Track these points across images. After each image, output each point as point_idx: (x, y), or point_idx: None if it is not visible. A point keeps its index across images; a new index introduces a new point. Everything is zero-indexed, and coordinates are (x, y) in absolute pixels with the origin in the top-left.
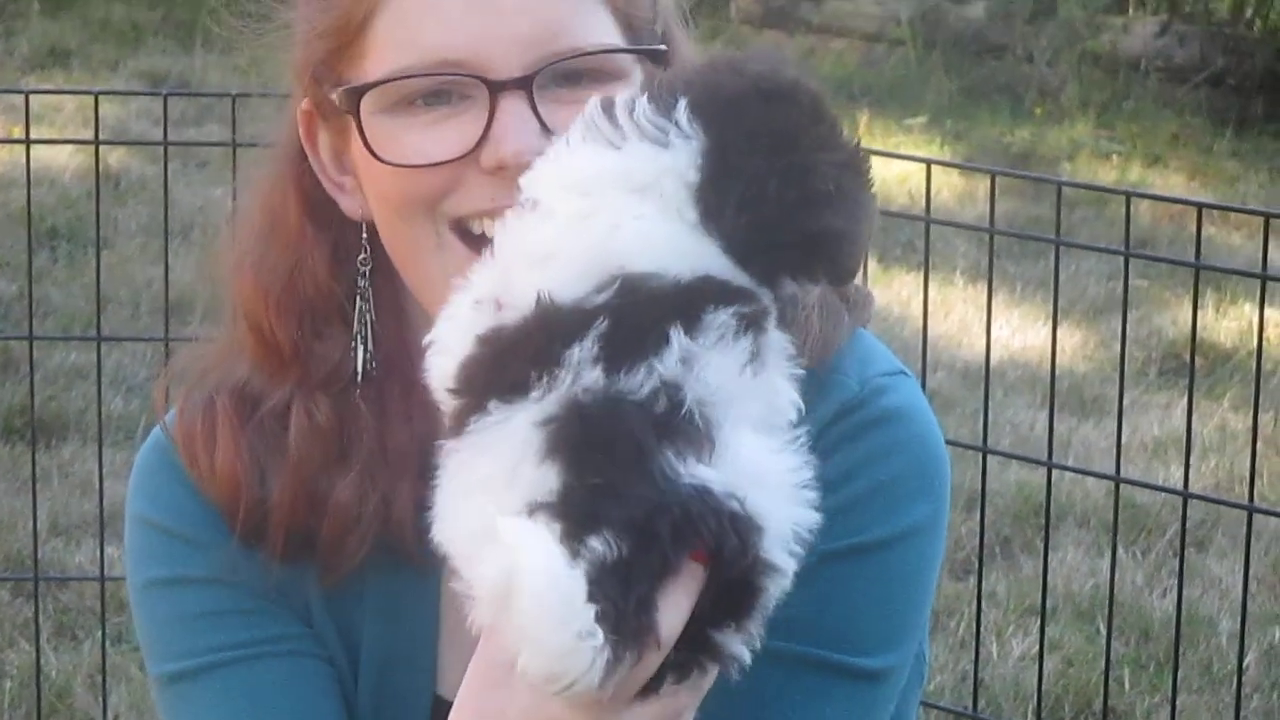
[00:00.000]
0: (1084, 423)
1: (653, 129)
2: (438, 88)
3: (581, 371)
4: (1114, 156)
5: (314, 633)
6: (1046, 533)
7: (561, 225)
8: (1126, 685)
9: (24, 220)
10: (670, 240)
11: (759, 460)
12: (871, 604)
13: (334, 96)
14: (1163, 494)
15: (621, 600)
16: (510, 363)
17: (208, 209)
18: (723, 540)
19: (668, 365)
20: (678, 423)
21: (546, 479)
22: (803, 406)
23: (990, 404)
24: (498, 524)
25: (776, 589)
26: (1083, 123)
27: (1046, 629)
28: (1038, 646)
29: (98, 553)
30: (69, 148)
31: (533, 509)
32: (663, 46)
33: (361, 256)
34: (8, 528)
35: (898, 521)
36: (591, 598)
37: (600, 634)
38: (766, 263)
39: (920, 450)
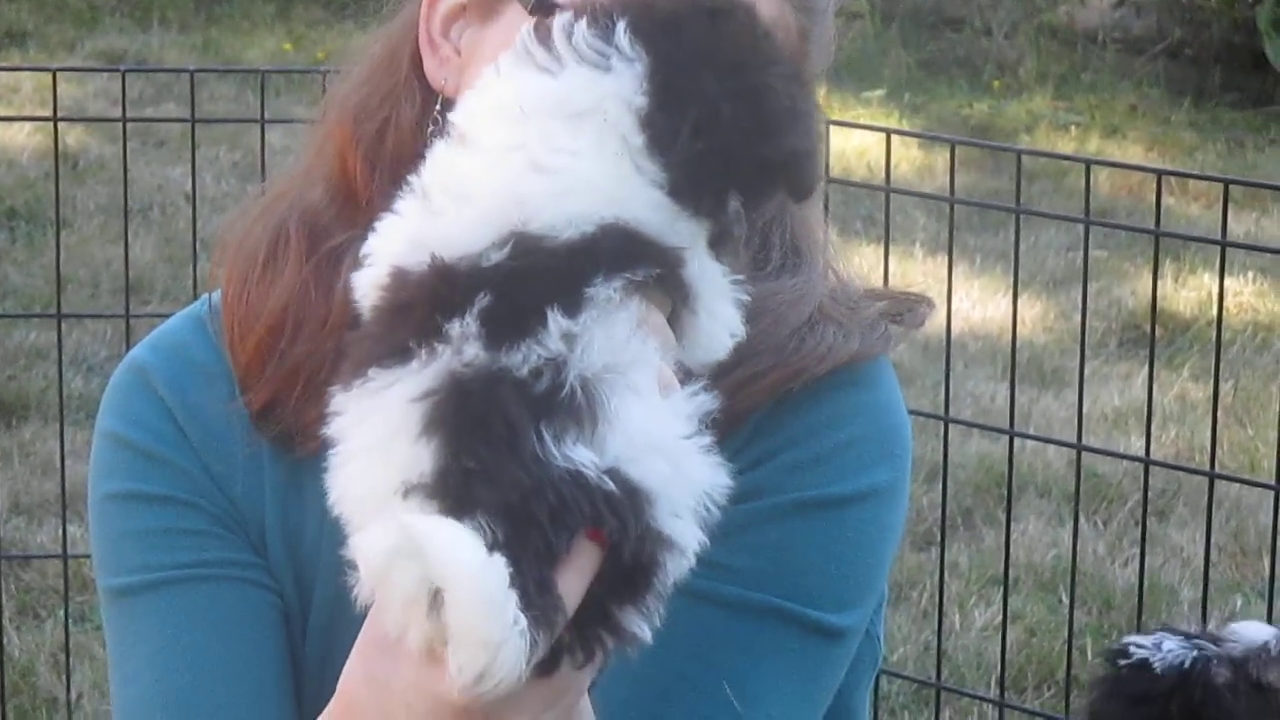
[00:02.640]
0: (1044, 394)
1: (592, 52)
2: None
3: (463, 346)
4: (1072, 128)
5: (266, 564)
6: (1009, 501)
7: (483, 160)
8: (1089, 654)
9: None
10: (588, 181)
11: (650, 429)
12: (827, 559)
13: None
14: (1123, 464)
15: (527, 582)
16: (396, 324)
17: (166, 188)
18: (600, 522)
19: (549, 344)
20: (558, 401)
21: (421, 458)
22: (743, 333)
23: (951, 376)
24: (406, 525)
25: (677, 563)
26: (1041, 95)
27: (1009, 599)
28: (1000, 617)
29: (60, 531)
30: (27, 129)
31: (408, 490)
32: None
33: (432, 129)
34: None
35: (858, 481)
36: (511, 582)
37: (524, 619)
38: (717, 189)
39: (883, 417)
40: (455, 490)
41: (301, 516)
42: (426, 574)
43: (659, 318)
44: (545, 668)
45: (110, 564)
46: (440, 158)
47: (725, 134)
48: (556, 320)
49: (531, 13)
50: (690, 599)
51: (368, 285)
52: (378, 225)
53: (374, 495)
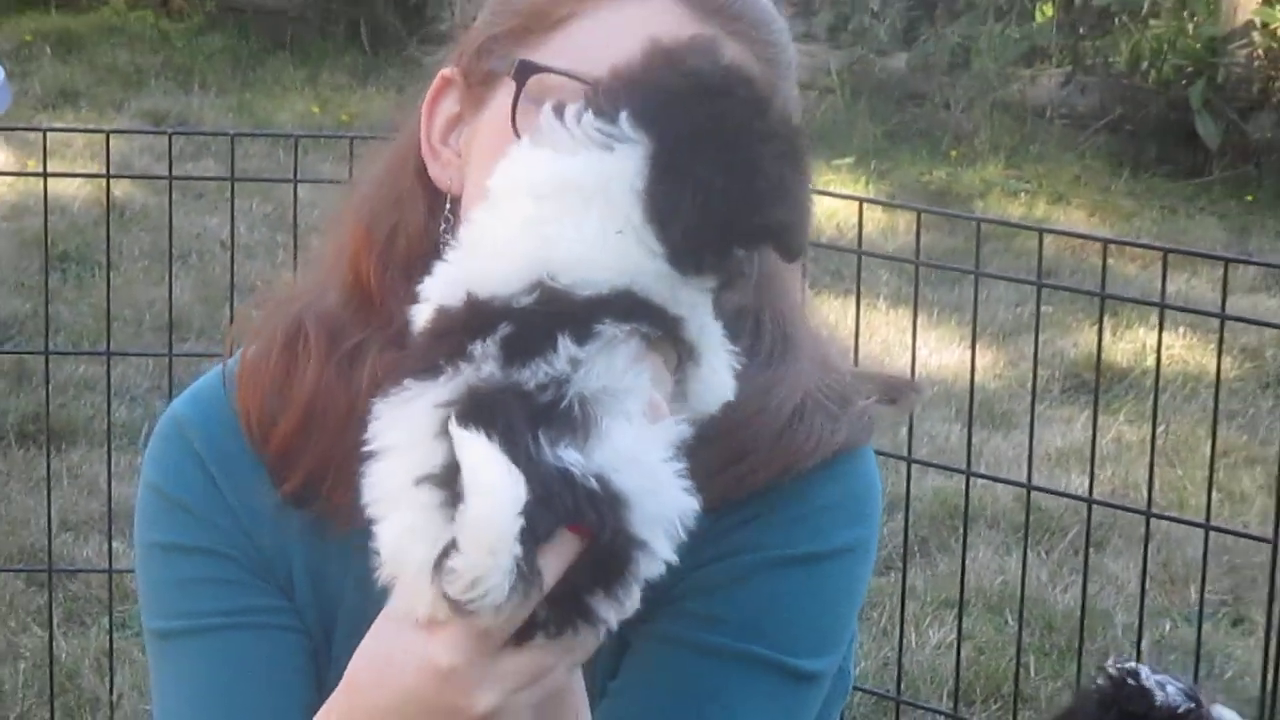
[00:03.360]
0: (995, 434)
1: (598, 135)
2: None
3: (482, 364)
4: (1022, 194)
5: (294, 606)
6: (964, 533)
7: (510, 229)
8: (1033, 671)
9: (39, 245)
10: (600, 254)
11: (635, 447)
12: (806, 611)
13: (499, 65)
14: (1065, 500)
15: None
16: (433, 346)
17: (204, 236)
18: (579, 516)
19: (557, 364)
20: (558, 413)
21: (435, 454)
22: (733, 395)
23: (911, 417)
24: (454, 434)
25: (648, 564)
26: (994, 164)
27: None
28: (954, 636)
29: (105, 546)
30: (78, 180)
31: (419, 480)
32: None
33: (444, 228)
34: (22, 524)
35: (834, 539)
36: (522, 510)
37: (521, 549)
38: (717, 249)
39: (858, 483)
40: (458, 480)
41: (325, 559)
42: (438, 537)
43: (657, 358)
44: (522, 636)
45: (154, 607)
46: (478, 218)
47: (717, 209)
48: (566, 346)
49: (514, 78)
50: (677, 647)
51: (418, 318)
52: (434, 269)
53: (395, 488)
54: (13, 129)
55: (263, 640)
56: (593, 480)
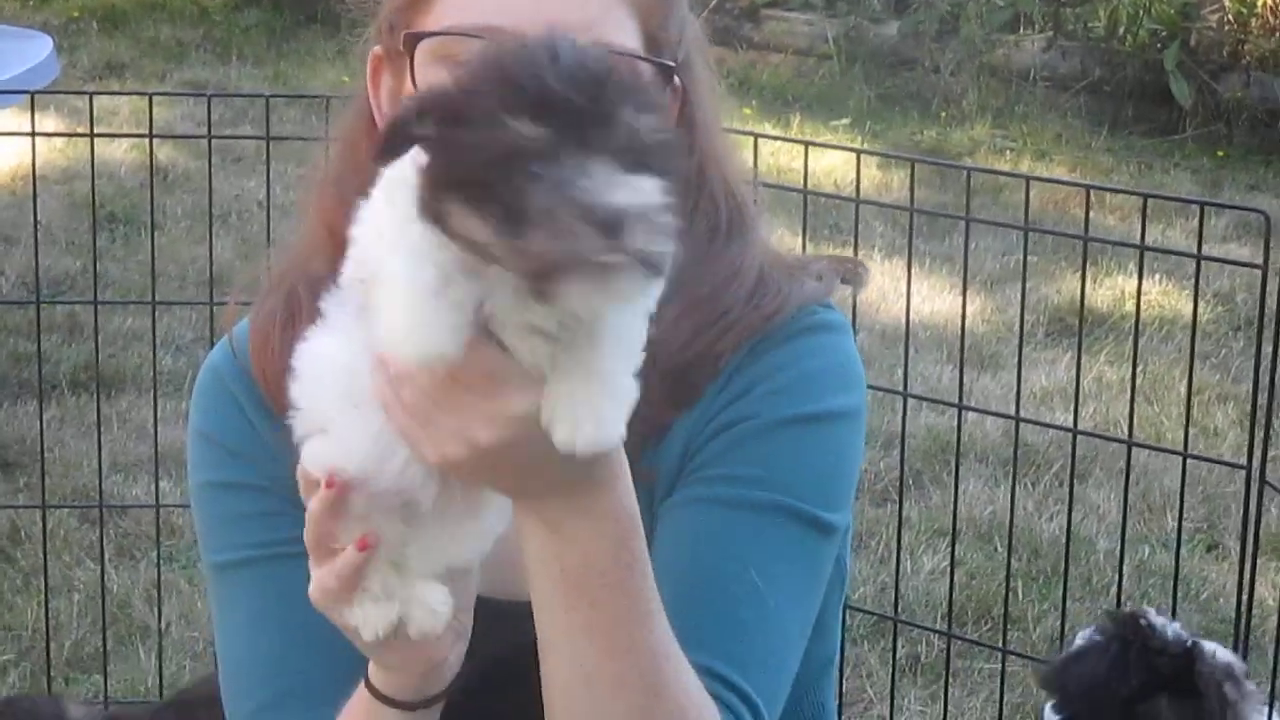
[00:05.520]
0: (983, 375)
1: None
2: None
3: None
4: (1007, 152)
5: None
6: (956, 464)
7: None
8: (1020, 595)
9: (88, 207)
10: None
11: None
12: (815, 465)
13: (399, 41)
14: (1050, 434)
15: None
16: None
17: (243, 197)
18: None
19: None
20: None
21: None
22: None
23: (906, 358)
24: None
25: None
26: (981, 124)
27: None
28: (946, 562)
29: (152, 486)
30: (125, 145)
31: None
32: (672, 62)
33: None
34: (75, 466)
35: (826, 403)
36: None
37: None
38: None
39: (837, 354)
40: None
41: None
42: None
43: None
44: None
45: (208, 542)
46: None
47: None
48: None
49: (405, 50)
50: (701, 506)
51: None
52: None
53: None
54: (62, 93)
55: (303, 567)
56: None
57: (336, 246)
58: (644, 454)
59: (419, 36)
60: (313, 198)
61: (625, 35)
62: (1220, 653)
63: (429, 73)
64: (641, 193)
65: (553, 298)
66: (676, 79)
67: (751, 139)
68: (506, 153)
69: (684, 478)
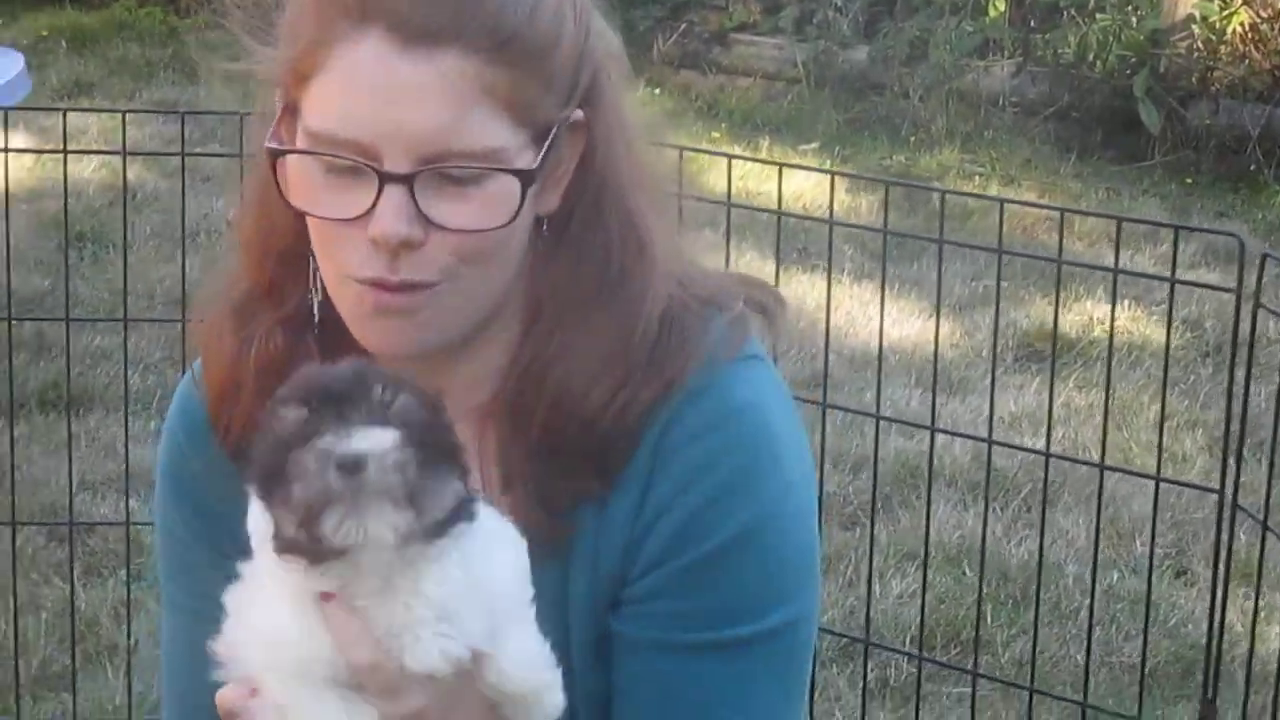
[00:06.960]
0: (952, 399)
1: None
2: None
3: None
4: (976, 177)
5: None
6: (929, 486)
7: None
8: (989, 619)
9: (56, 226)
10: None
11: None
12: (773, 574)
13: (267, 143)
14: (1018, 459)
15: None
16: None
17: (211, 217)
18: None
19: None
20: None
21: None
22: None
23: (879, 382)
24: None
25: None
26: (950, 149)
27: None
28: (916, 586)
29: (121, 504)
30: (94, 164)
31: None
32: (530, 166)
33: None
34: (44, 484)
35: (775, 493)
36: None
37: None
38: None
39: (776, 423)
40: None
41: None
42: None
43: None
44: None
45: (161, 568)
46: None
47: None
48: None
49: (269, 159)
50: (667, 652)
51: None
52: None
53: None
54: (35, 109)
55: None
56: None
57: (254, 278)
58: (587, 524)
59: (280, 152)
60: (237, 225)
61: (487, 134)
62: None
63: (308, 165)
64: (380, 440)
65: (319, 539)
66: (579, 112)
67: (725, 160)
68: (279, 437)
69: (637, 603)
